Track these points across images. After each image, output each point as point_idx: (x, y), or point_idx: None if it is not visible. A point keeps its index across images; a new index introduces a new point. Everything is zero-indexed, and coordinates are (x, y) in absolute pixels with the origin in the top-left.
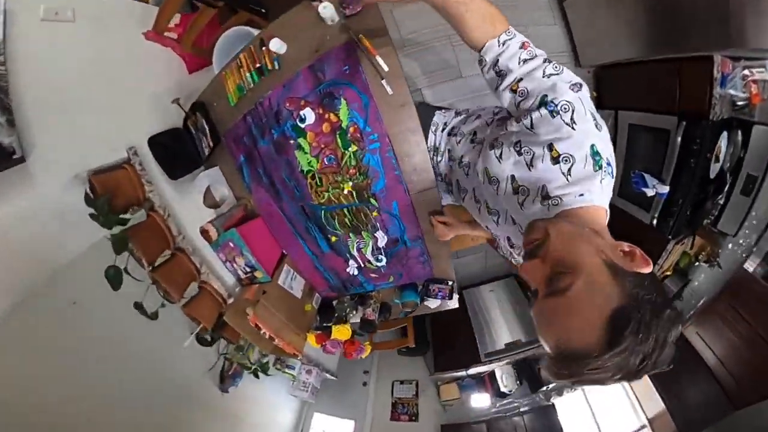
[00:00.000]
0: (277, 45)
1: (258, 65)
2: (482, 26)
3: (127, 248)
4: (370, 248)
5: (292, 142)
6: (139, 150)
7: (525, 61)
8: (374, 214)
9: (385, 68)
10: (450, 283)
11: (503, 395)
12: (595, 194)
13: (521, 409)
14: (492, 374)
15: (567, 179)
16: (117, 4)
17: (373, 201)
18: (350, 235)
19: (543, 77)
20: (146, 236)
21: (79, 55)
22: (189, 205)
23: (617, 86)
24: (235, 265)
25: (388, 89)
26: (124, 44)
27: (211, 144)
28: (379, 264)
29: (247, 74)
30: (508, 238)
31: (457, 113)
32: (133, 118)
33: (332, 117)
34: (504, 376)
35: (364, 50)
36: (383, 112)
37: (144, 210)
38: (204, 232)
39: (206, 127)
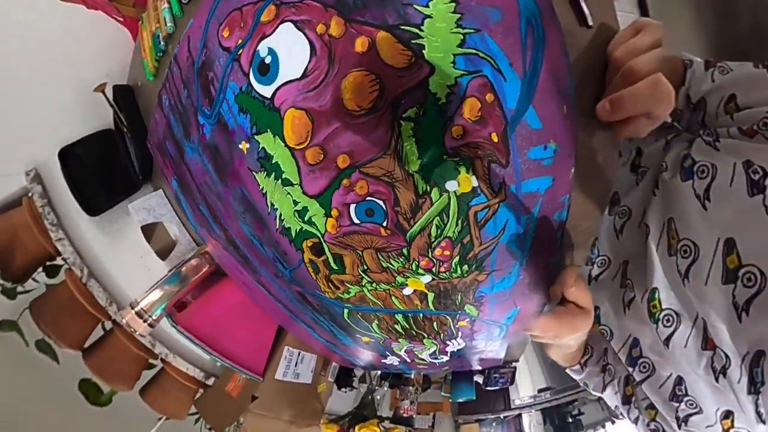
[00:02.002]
0: None
1: None
2: None
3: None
4: (428, 353)
5: (242, 146)
6: (44, 171)
7: None
8: (461, 323)
9: None
10: (514, 365)
11: None
12: None
13: None
14: (517, 417)
15: None
16: None
17: (470, 309)
18: (399, 340)
19: None
20: (56, 314)
21: None
22: (126, 254)
23: None
24: None
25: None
26: (43, 15)
27: (137, 154)
28: (435, 361)
29: (164, 8)
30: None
31: None
32: (44, 121)
33: (384, 46)
34: (533, 424)
35: None
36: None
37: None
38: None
39: (125, 126)
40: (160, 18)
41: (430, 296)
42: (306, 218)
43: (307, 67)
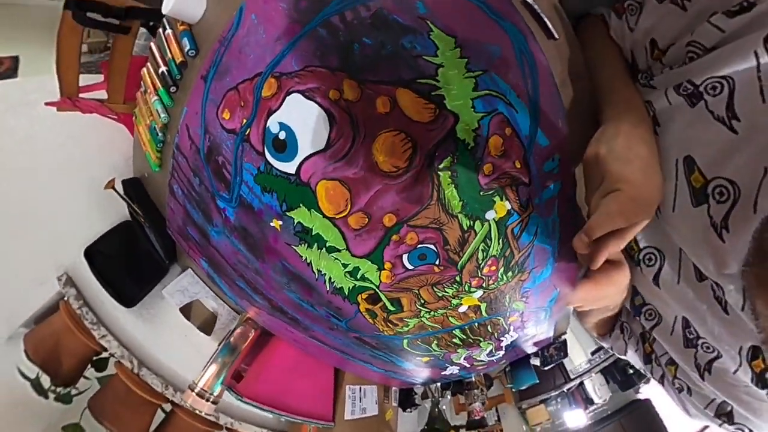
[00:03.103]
0: (182, 5)
1: (161, 70)
2: None
3: None
4: (485, 354)
5: (275, 224)
6: (74, 273)
7: None
8: (512, 319)
9: None
10: (563, 336)
11: (592, 402)
12: None
13: (610, 411)
14: (579, 386)
15: None
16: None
17: (518, 305)
18: (458, 351)
19: None
20: (116, 408)
21: None
22: (169, 336)
23: None
24: None
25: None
26: (44, 126)
27: (159, 241)
28: (492, 359)
29: (154, 100)
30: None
31: None
32: (65, 225)
33: (407, 103)
34: (596, 387)
35: None
36: (563, 89)
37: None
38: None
39: (141, 217)
40: (153, 110)
41: (483, 306)
42: (359, 276)
43: (330, 137)
